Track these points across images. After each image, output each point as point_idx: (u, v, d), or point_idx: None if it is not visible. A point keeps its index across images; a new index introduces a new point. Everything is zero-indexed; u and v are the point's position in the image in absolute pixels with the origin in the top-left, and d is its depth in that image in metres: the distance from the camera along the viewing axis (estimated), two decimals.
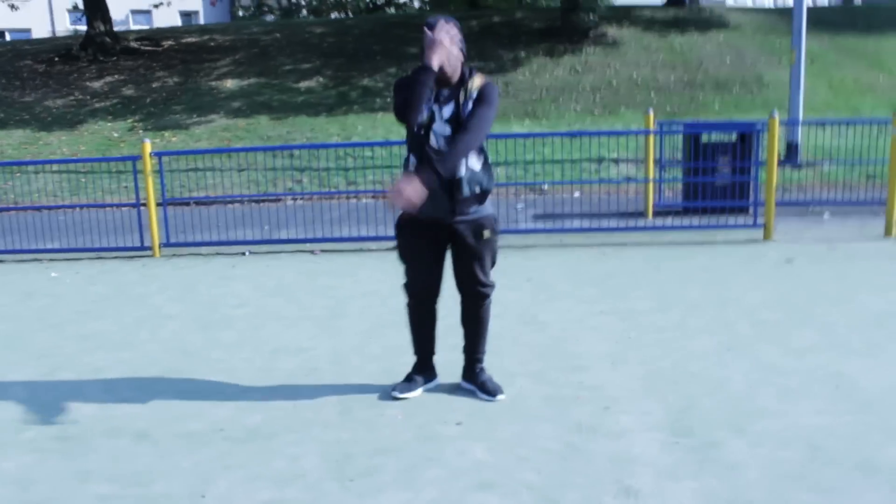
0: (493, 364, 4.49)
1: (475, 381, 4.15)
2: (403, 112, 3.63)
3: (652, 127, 9.32)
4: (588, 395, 4.08)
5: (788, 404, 3.92)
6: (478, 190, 3.82)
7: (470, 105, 3.73)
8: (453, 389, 4.21)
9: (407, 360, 4.64)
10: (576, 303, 5.86)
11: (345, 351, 4.89)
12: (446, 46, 3.65)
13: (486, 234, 3.87)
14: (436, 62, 3.60)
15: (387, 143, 8.20)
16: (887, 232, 8.08)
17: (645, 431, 3.64)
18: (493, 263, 4.03)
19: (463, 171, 3.74)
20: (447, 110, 3.74)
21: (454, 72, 3.76)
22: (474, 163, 3.79)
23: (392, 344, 4.99)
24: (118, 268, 7.72)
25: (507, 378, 4.31)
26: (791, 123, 9.85)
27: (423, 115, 3.70)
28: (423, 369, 4.21)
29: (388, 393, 4.16)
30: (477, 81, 3.78)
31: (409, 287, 4.05)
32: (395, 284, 6.55)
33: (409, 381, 4.17)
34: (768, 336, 4.97)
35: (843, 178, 11.72)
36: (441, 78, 3.72)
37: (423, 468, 3.32)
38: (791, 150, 12.22)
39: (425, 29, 3.69)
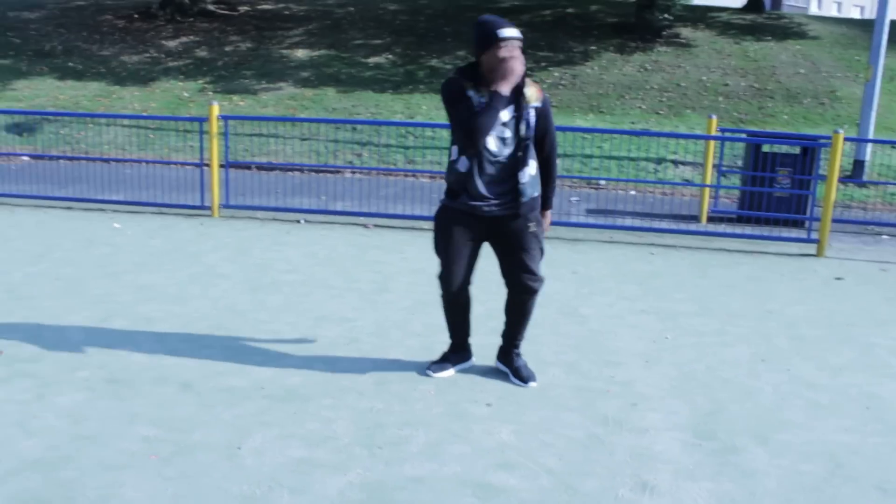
0: (528, 351, 4.60)
1: (510, 364, 4.25)
2: (476, 140, 3.70)
3: (714, 132, 9.25)
4: (617, 390, 4.16)
5: (816, 419, 3.95)
6: (535, 194, 3.97)
7: (531, 113, 3.85)
8: (487, 372, 4.32)
9: (445, 338, 4.78)
10: (617, 299, 5.91)
11: (386, 325, 5.04)
12: (519, 73, 3.72)
13: (532, 226, 3.97)
14: (508, 90, 3.71)
15: (449, 126, 8.27)
16: None
17: (669, 430, 3.71)
18: (542, 255, 4.11)
19: (526, 178, 3.88)
20: (507, 114, 3.81)
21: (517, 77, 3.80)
22: (532, 169, 3.93)
23: (433, 322, 5.12)
24: (177, 224, 7.99)
25: (540, 366, 4.41)
26: (859, 140, 9.68)
27: (474, 120, 3.75)
28: (458, 351, 4.33)
29: (423, 369, 4.29)
30: (534, 90, 3.88)
31: (445, 279, 4.07)
32: None
33: (442, 361, 4.28)
34: (805, 351, 4.97)
35: None
36: (501, 77, 3.72)
37: (450, 443, 3.45)
38: (857, 168, 12.00)
39: (500, 45, 3.67)
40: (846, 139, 8.57)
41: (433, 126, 8.87)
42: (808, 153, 9.08)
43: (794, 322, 5.59)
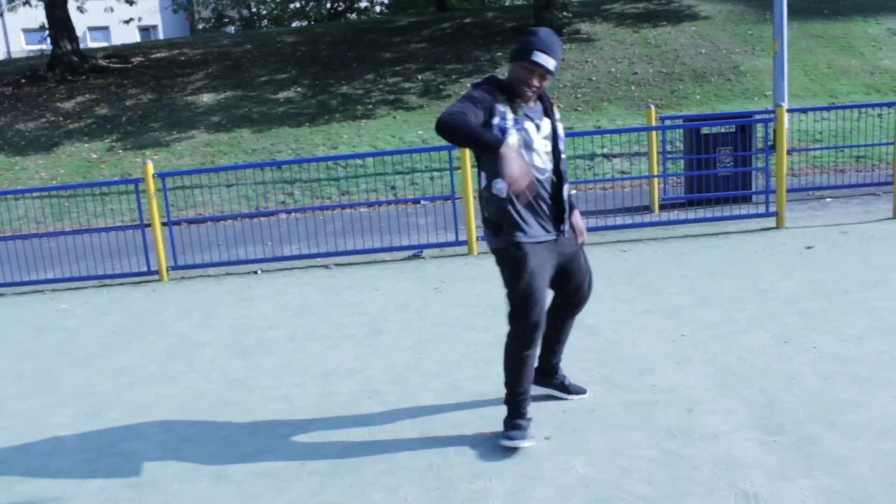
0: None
1: (555, 383, 4.09)
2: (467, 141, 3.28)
3: (654, 122, 9.30)
4: (666, 398, 4.01)
5: (867, 394, 3.88)
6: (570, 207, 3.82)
7: (559, 126, 3.70)
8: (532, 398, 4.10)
9: (468, 372, 4.55)
10: (614, 303, 5.79)
11: (399, 370, 4.77)
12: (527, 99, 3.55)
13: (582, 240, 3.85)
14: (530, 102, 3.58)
15: (378, 154, 8.07)
16: (895, 213, 8.14)
17: (737, 431, 3.58)
18: None
19: (566, 192, 3.69)
20: (545, 127, 3.61)
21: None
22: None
23: (445, 359, 4.88)
24: (128, 294, 7.50)
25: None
26: (803, 110, 9.94)
27: (516, 139, 3.48)
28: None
29: (460, 408, 4.05)
30: (551, 100, 3.78)
31: (535, 318, 3.51)
32: (424, 295, 6.45)
33: (520, 428, 3.60)
34: (819, 326, 4.94)
35: (831, 162, 11.85)
36: (522, 96, 3.53)
37: (530, 488, 3.22)
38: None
39: (528, 66, 3.47)
40: (789, 110, 8.72)
41: (364, 156, 8.65)
42: (745, 130, 9.22)
43: (792, 298, 5.58)
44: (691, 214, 8.65)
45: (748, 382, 4.14)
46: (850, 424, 3.57)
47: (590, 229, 8.28)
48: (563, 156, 3.66)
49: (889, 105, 9.54)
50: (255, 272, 7.97)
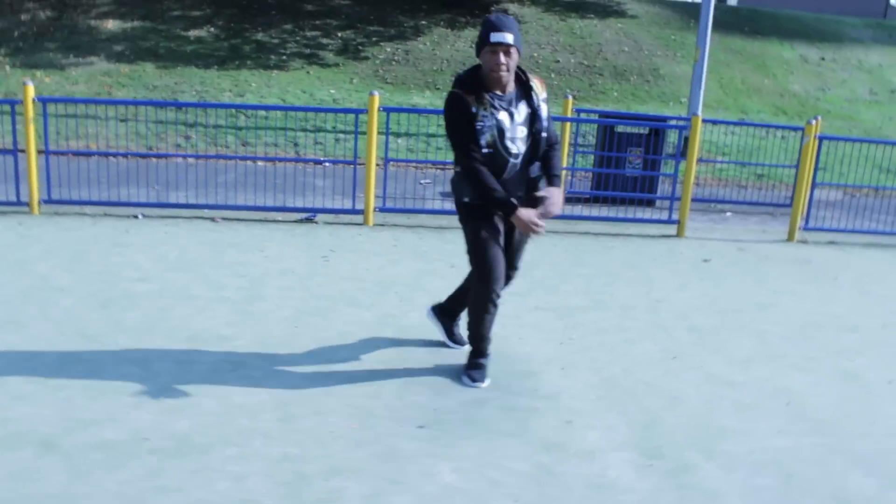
0: (442, 359, 4.19)
1: (446, 324, 4.45)
2: (497, 153, 3.75)
3: (570, 113, 9.16)
4: (546, 406, 3.83)
5: (748, 423, 3.80)
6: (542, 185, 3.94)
7: (542, 106, 3.82)
8: (406, 387, 3.86)
9: (343, 353, 4.29)
10: (508, 295, 5.60)
11: (271, 342, 4.44)
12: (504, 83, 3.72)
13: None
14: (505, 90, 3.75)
15: (285, 108, 7.68)
16: (789, 237, 8.26)
17: (615, 451, 3.42)
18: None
19: (536, 172, 3.89)
20: (522, 112, 3.76)
21: (509, 76, 3.73)
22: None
23: (323, 335, 4.58)
24: None
25: (457, 380, 4.01)
26: (718, 122, 9.99)
27: (486, 136, 3.69)
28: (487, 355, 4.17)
29: (328, 394, 3.76)
30: (538, 81, 3.86)
31: (494, 274, 3.83)
32: (311, 262, 6.12)
33: (481, 367, 4.08)
34: (708, 344, 4.88)
35: (734, 176, 12.04)
36: (495, 81, 3.69)
37: (389, 494, 2.97)
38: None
39: (490, 49, 3.67)
40: (704, 121, 8.72)
41: (271, 108, 8.20)
42: (659, 134, 9.19)
43: (685, 312, 5.51)
44: (594, 212, 8.56)
45: (632, 398, 4.00)
46: (727, 455, 3.47)
47: None
48: (543, 134, 3.79)
49: (794, 129, 9.68)
50: (136, 216, 7.44)
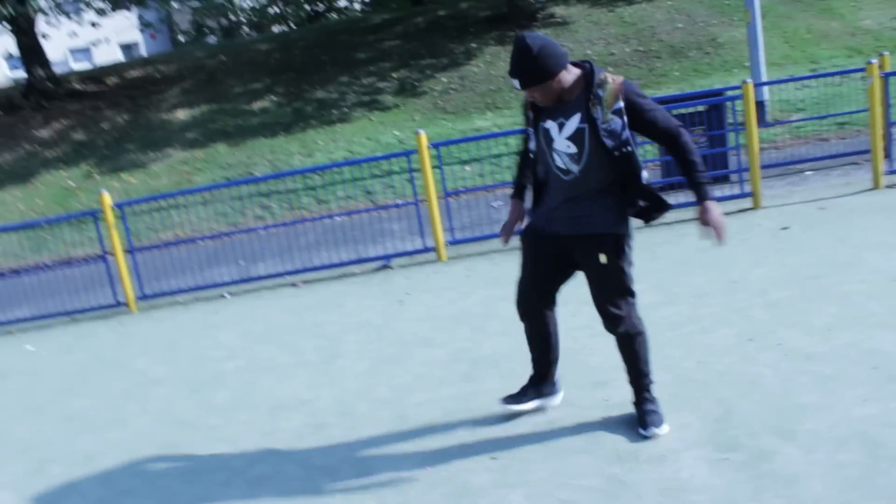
0: (513, 386, 4.20)
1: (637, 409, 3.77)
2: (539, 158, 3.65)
3: None
4: (618, 415, 3.82)
5: (830, 395, 3.69)
6: (613, 228, 3.55)
7: (615, 119, 3.33)
8: (479, 420, 3.92)
9: (418, 396, 4.40)
10: (578, 305, 5.59)
11: (348, 399, 4.59)
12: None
13: (603, 258, 3.51)
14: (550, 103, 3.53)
15: (354, 163, 7.92)
16: (875, 184, 7.91)
17: (688, 450, 3.39)
18: (628, 291, 3.61)
19: (601, 203, 3.53)
20: (569, 127, 3.40)
21: (553, 96, 3.41)
22: (613, 194, 3.54)
23: (398, 381, 4.70)
24: (94, 330, 7.34)
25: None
26: (768, 84, 9.69)
27: (532, 142, 3.58)
28: (536, 383, 3.96)
29: (403, 439, 3.87)
30: (612, 86, 3.33)
31: (516, 297, 3.87)
32: (386, 310, 6.27)
33: (520, 394, 3.95)
34: (787, 318, 4.74)
35: (813, 131, 11.60)
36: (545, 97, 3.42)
37: None
38: (759, 109, 12.05)
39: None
40: (761, 84, 8.47)
41: (338, 166, 8.45)
42: (719, 108, 8.98)
43: (763, 287, 5.37)
44: (669, 200, 8.41)
45: (706, 391, 3.94)
46: (807, 434, 3.37)
47: None
48: (625, 150, 3.37)
49: (859, 71, 9.26)
50: (223, 296, 7.80)
